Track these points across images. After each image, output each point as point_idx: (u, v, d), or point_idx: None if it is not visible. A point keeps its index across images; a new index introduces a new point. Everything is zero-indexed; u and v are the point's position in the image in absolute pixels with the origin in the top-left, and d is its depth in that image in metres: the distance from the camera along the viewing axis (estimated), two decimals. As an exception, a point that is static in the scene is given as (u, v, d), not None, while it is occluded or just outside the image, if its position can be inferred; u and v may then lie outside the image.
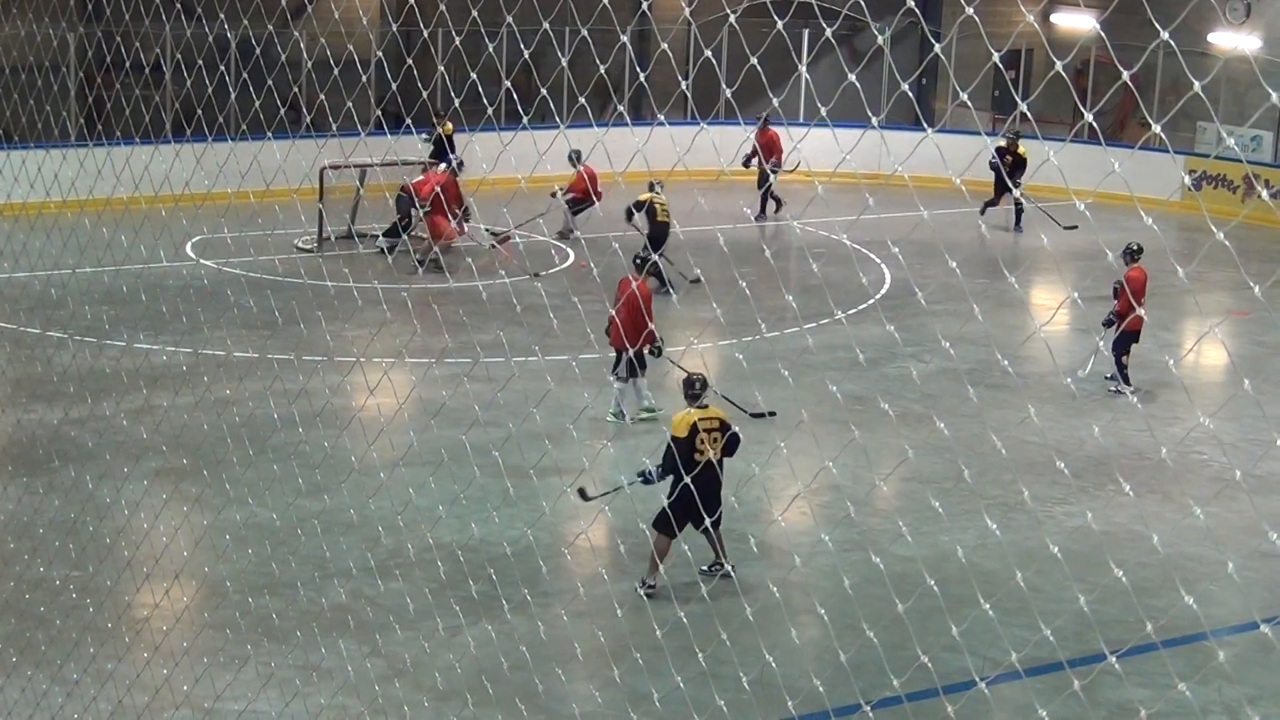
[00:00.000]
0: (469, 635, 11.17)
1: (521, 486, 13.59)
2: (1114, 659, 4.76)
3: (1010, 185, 26.00)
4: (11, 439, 15.53)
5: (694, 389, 12.70)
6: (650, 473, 12.50)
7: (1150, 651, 11.16)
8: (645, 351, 16.26)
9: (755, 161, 27.20)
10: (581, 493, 12.80)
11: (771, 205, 28.42)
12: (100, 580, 11.26)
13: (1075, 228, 24.17)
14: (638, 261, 17.01)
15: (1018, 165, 26.62)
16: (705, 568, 12.92)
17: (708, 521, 11.96)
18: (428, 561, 12.38)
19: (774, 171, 27.02)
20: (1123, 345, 17.80)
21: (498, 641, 10.77)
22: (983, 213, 27.61)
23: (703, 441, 12.45)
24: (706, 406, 12.72)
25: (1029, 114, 4.83)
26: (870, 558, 12.76)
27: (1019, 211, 27.53)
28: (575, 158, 24.90)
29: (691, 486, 10.99)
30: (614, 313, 15.98)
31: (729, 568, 12.73)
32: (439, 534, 13.06)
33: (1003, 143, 26.87)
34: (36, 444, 14.66)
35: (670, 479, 12.05)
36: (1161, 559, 13.13)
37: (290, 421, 12.70)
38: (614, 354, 16.76)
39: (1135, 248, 17.98)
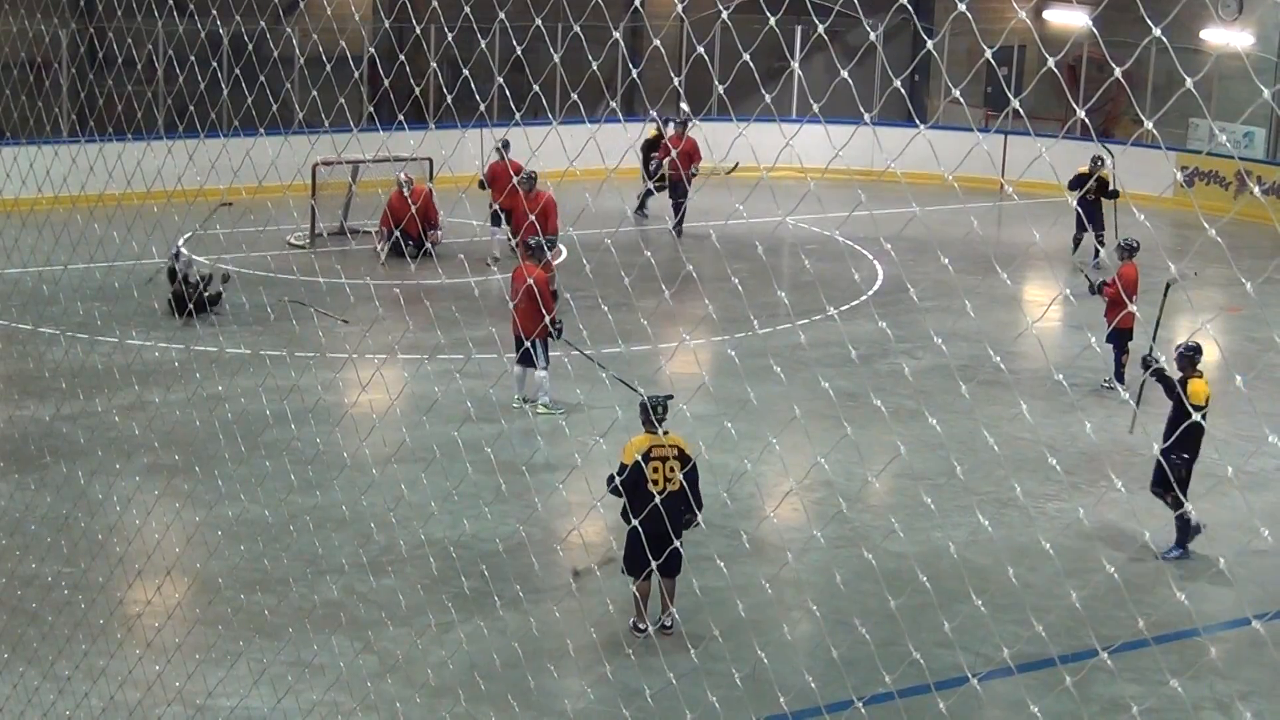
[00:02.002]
0: (461, 631, 11.17)
1: (514, 482, 13.60)
2: (1106, 655, 4.76)
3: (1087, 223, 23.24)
4: (3, 435, 15.51)
5: (655, 413, 11.61)
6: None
7: (1142, 648, 11.17)
8: (545, 335, 15.94)
9: (665, 165, 25.39)
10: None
11: (669, 213, 25.89)
12: (92, 577, 11.25)
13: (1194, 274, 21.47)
14: (530, 247, 16.76)
15: (1103, 192, 23.23)
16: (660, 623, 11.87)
17: (654, 564, 10.35)
18: (420, 558, 12.38)
19: (693, 175, 25.11)
20: (1119, 344, 17.80)
21: (490, 638, 10.77)
22: (1077, 250, 24.62)
23: (656, 470, 11.34)
24: (665, 433, 11.55)
25: (1021, 110, 4.84)
26: (862, 554, 12.77)
27: (1097, 251, 23.98)
28: (503, 148, 22.62)
29: (649, 519, 9.87)
30: (514, 304, 15.74)
31: (673, 617, 11.71)
32: (431, 530, 13.06)
33: (1084, 169, 23.70)
34: (28, 440, 14.65)
35: (628, 511, 11.15)
36: (1153, 555, 13.15)
37: (282, 417, 12.67)
38: (538, 345, 16.33)
39: (1133, 245, 17.96)
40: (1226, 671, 11.50)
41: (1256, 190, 4.74)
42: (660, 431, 11.56)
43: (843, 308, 21.36)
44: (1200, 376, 13.17)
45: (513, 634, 10.77)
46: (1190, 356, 13.22)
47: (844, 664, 6.71)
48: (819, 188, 5.55)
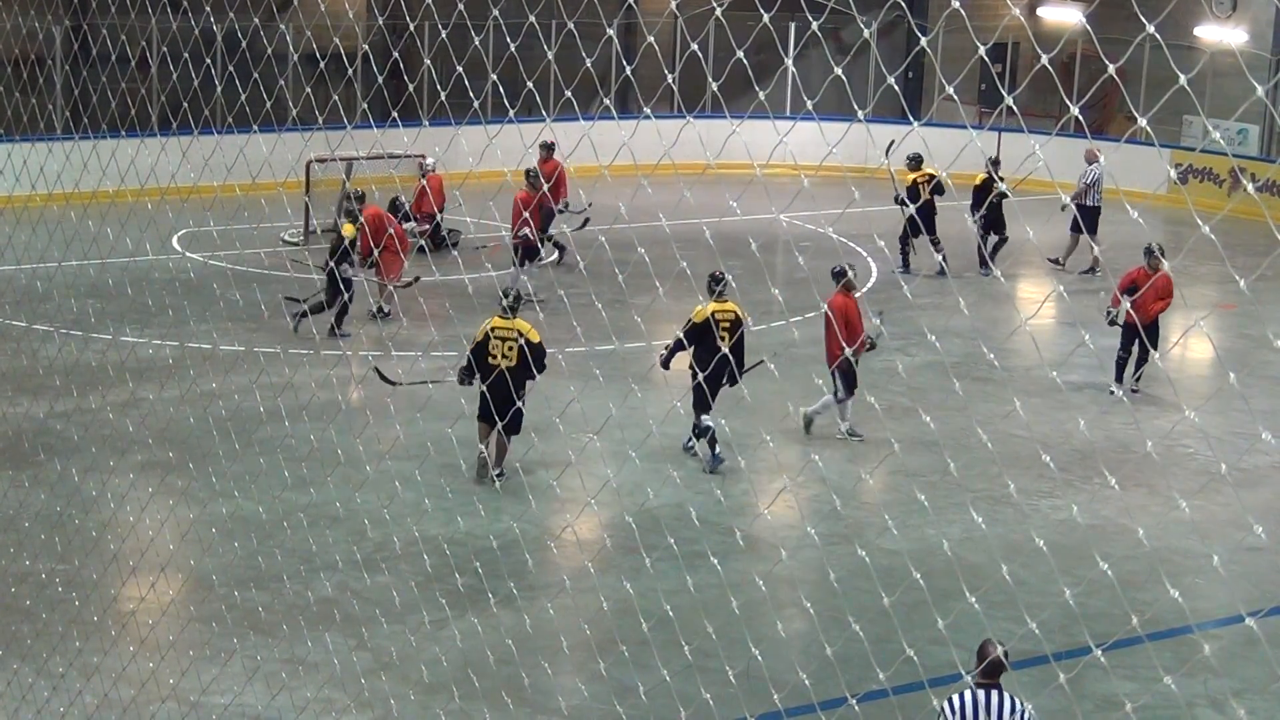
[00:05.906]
0: (455, 628, 11.16)
1: (508, 479, 13.59)
2: (1100, 652, 4.76)
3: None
4: (-3, 432, 15.50)
5: (507, 299, 14.15)
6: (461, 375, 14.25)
7: (1136, 645, 11.18)
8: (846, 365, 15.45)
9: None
10: (379, 373, 14.94)
11: (553, 254, 23.46)
12: (86, 574, 11.24)
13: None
14: (838, 273, 16.33)
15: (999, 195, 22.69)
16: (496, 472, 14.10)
17: (499, 425, 13.53)
18: (414, 555, 12.37)
19: (561, 211, 22.96)
20: (1128, 342, 17.61)
21: (484, 635, 10.77)
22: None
23: (495, 348, 14.03)
24: (513, 319, 14.06)
25: (1015, 107, 4.84)
26: (856, 551, 12.77)
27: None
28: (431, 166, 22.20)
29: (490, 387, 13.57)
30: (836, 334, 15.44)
31: (497, 475, 13.98)
32: (425, 527, 13.05)
33: (982, 178, 22.85)
34: (22, 437, 14.63)
35: (478, 378, 14.00)
36: (1147, 552, 13.14)
37: (276, 414, 12.68)
38: (835, 375, 15.70)
39: (1158, 250, 17.04)
40: (1221, 669, 11.50)
41: (1250, 187, 4.74)
42: (509, 318, 14.07)
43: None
44: (718, 300, 14.37)
45: (507, 631, 10.76)
46: (710, 284, 14.50)
47: (838, 661, 6.70)
48: (812, 184, 5.55)
